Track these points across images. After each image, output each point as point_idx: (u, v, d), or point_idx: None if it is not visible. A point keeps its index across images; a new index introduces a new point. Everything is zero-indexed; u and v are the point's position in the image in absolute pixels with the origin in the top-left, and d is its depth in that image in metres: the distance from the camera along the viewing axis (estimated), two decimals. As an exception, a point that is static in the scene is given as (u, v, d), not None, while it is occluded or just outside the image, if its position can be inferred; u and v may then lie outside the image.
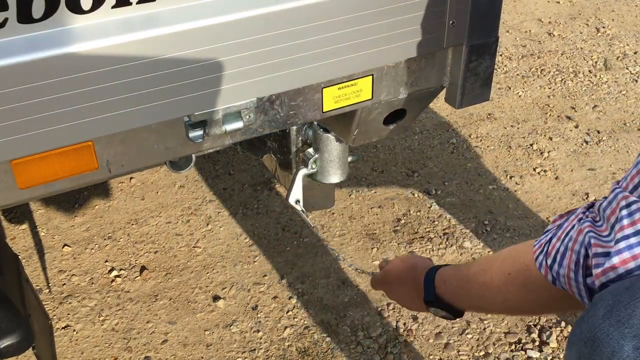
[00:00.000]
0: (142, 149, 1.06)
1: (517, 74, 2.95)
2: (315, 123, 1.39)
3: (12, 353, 1.20)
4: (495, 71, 2.76)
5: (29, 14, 0.86)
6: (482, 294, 1.06)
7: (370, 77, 1.20)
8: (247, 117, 1.11)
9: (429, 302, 1.17)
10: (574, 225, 0.85)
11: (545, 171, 2.36)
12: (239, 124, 1.10)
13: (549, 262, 0.87)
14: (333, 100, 1.20)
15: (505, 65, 3.02)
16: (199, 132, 1.08)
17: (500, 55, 3.08)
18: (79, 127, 0.96)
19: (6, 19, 0.86)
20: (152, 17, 0.94)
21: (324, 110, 1.20)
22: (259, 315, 1.87)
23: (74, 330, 1.84)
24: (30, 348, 1.24)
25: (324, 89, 1.17)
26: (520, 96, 2.79)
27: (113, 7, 0.91)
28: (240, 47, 1.02)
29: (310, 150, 1.43)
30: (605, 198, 0.83)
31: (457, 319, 1.22)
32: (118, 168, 1.06)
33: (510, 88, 2.85)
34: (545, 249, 0.88)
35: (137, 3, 0.92)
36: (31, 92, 0.91)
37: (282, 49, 1.05)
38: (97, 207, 2.28)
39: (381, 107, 1.28)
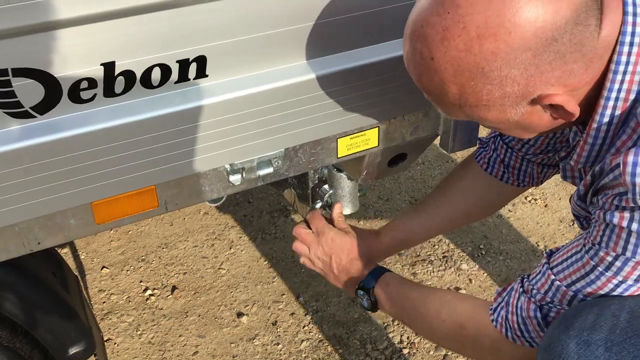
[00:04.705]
0: (192, 190, 1.30)
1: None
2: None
3: (78, 359, 1.45)
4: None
5: (113, 90, 1.12)
6: (413, 316, 1.31)
7: (377, 128, 1.45)
8: (277, 163, 1.35)
9: (362, 288, 1.40)
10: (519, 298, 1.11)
11: (535, 199, 2.60)
12: (269, 170, 1.35)
13: (512, 333, 1.12)
14: (346, 147, 1.44)
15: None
16: (238, 176, 1.32)
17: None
18: (145, 176, 1.21)
19: (95, 94, 1.11)
20: (205, 89, 1.19)
21: (338, 156, 1.44)
22: (278, 330, 2.10)
23: (115, 343, 2.07)
24: (93, 355, 1.48)
25: (338, 139, 1.42)
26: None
27: (175, 82, 1.16)
28: (271, 110, 1.27)
29: (326, 186, 1.68)
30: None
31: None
32: (173, 206, 1.30)
33: (505, 121, 3.09)
34: (507, 325, 1.13)
35: (194, 79, 1.17)
36: (109, 150, 1.16)
37: (306, 110, 1.30)
38: (130, 232, 2.52)
39: (386, 152, 1.52)
